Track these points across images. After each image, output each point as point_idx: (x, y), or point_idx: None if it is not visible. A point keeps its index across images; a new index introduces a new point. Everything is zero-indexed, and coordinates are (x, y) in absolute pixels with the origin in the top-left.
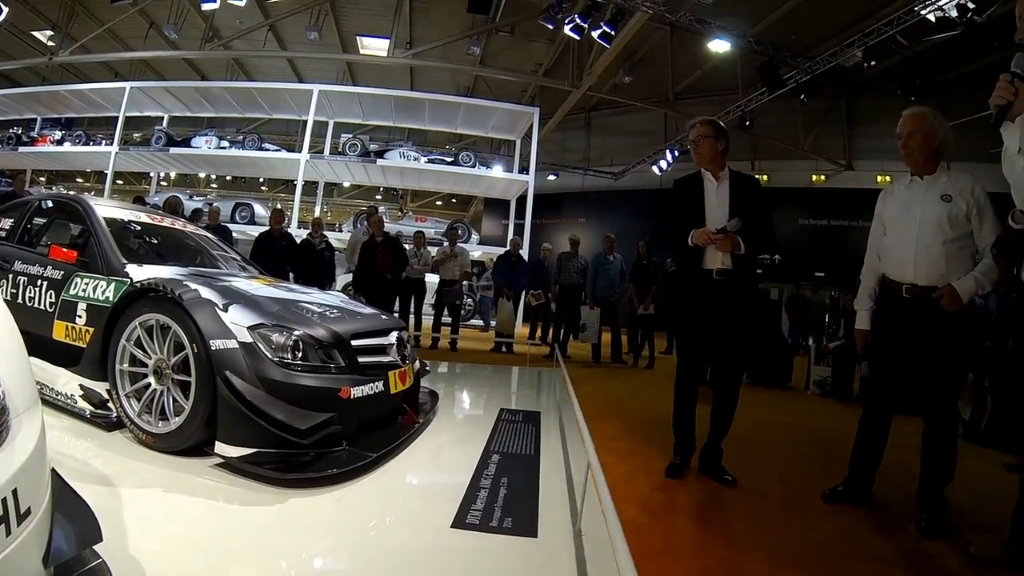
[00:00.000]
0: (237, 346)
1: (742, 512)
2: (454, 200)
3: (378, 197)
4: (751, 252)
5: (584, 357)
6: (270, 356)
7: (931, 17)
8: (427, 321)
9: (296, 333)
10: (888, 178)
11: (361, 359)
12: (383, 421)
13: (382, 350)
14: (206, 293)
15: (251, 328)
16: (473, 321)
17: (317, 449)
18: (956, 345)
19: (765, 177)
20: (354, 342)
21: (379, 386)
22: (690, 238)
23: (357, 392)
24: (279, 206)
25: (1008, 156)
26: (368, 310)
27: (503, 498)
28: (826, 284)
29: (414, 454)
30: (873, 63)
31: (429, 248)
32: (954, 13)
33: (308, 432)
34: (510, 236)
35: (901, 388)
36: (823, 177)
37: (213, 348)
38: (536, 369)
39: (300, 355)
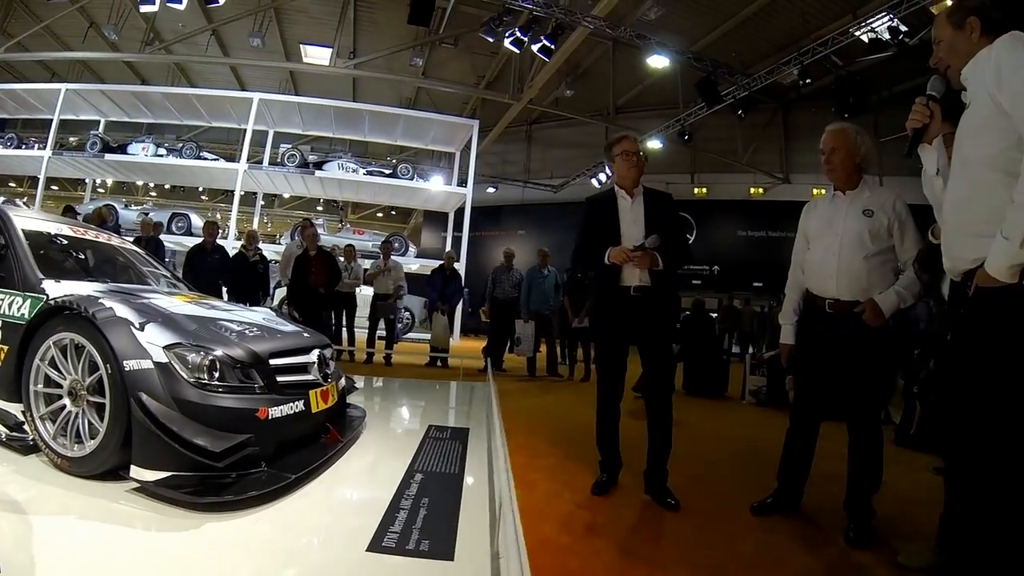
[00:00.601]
0: (152, 366)
1: (667, 529)
2: (394, 212)
3: (319, 208)
4: (670, 267)
5: (520, 370)
6: (186, 376)
7: (864, 38)
8: (362, 335)
9: (213, 353)
10: (823, 191)
11: (280, 378)
12: (305, 441)
13: (303, 369)
14: (122, 311)
15: (167, 348)
16: (414, 334)
17: (236, 471)
18: (879, 359)
19: (705, 190)
20: (273, 361)
21: (299, 405)
22: (607, 256)
23: (276, 412)
24: (218, 217)
25: (927, 177)
26: (290, 328)
27: (422, 519)
28: (765, 294)
29: (336, 474)
30: (808, 81)
31: (362, 261)
32: (886, 35)
33: (223, 454)
34: (447, 249)
35: (826, 400)
36: (761, 190)
37: (127, 368)
38: (470, 383)
39: (217, 375)
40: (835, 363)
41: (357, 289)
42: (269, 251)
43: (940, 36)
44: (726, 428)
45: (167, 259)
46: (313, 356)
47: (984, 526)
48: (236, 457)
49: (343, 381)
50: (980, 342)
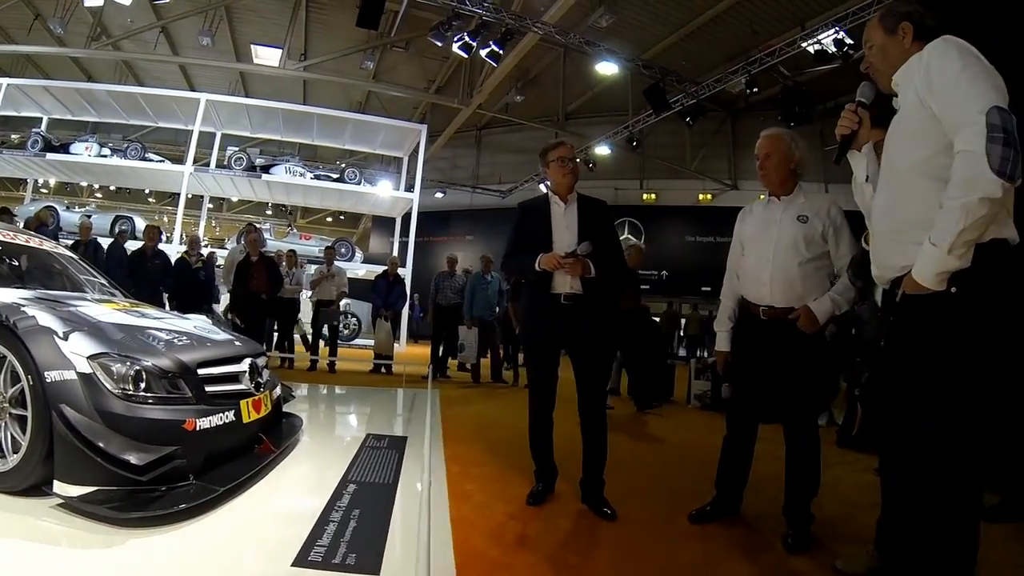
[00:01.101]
0: (75, 377)
1: (602, 539)
2: (342, 217)
3: (268, 212)
4: (602, 275)
5: (464, 377)
6: (110, 388)
7: (811, 50)
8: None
9: (139, 363)
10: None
11: (209, 388)
12: (236, 452)
13: (234, 378)
14: (46, 320)
15: (91, 358)
16: (360, 340)
17: (164, 485)
18: (814, 365)
19: (654, 196)
20: (202, 371)
21: (229, 416)
22: (537, 263)
23: (204, 423)
24: (165, 220)
25: (856, 184)
26: (222, 336)
27: (352, 532)
28: (712, 299)
29: (267, 486)
30: (755, 90)
31: (309, 267)
32: (832, 48)
33: (147, 468)
34: (393, 254)
35: (763, 406)
36: (710, 196)
37: (49, 380)
38: (414, 391)
39: (143, 386)
40: (770, 370)
41: (302, 294)
42: (217, 256)
43: (872, 40)
44: (670, 433)
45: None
46: (244, 365)
47: (916, 526)
48: (161, 470)
49: (278, 390)
50: (909, 350)
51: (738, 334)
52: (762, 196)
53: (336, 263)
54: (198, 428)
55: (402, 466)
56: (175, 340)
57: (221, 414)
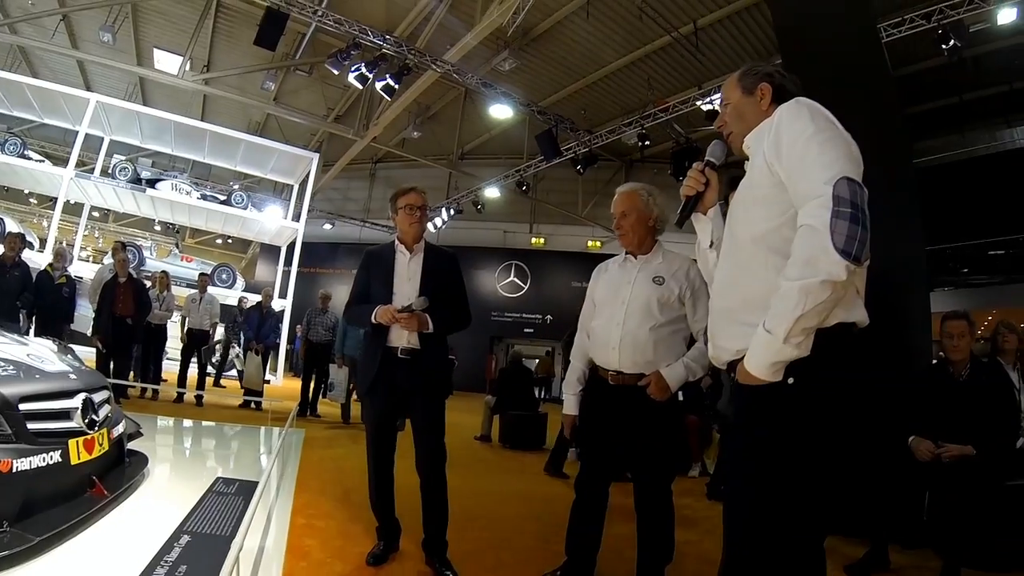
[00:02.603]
0: None
1: None
2: (230, 240)
3: (156, 228)
4: (440, 330)
5: (335, 417)
6: None
7: (704, 108)
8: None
9: None
10: (599, 244)
11: (33, 426)
12: (63, 497)
13: (64, 415)
14: None
15: None
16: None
17: None
18: (664, 434)
19: (543, 240)
20: (24, 406)
21: (55, 456)
22: (373, 315)
23: (23, 464)
24: (44, 225)
25: (700, 251)
26: (56, 367)
27: None
28: None
29: (93, 535)
30: (647, 143)
31: (184, 291)
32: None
33: None
34: (278, 283)
35: (612, 471)
36: (599, 243)
37: None
38: (280, 429)
39: None
40: (619, 437)
41: (172, 321)
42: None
43: (728, 99)
44: (533, 486)
45: None
46: (77, 401)
47: None
48: None
49: (121, 427)
50: (748, 436)
51: (587, 398)
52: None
53: (210, 290)
54: (15, 469)
55: (244, 516)
56: None
57: (44, 455)
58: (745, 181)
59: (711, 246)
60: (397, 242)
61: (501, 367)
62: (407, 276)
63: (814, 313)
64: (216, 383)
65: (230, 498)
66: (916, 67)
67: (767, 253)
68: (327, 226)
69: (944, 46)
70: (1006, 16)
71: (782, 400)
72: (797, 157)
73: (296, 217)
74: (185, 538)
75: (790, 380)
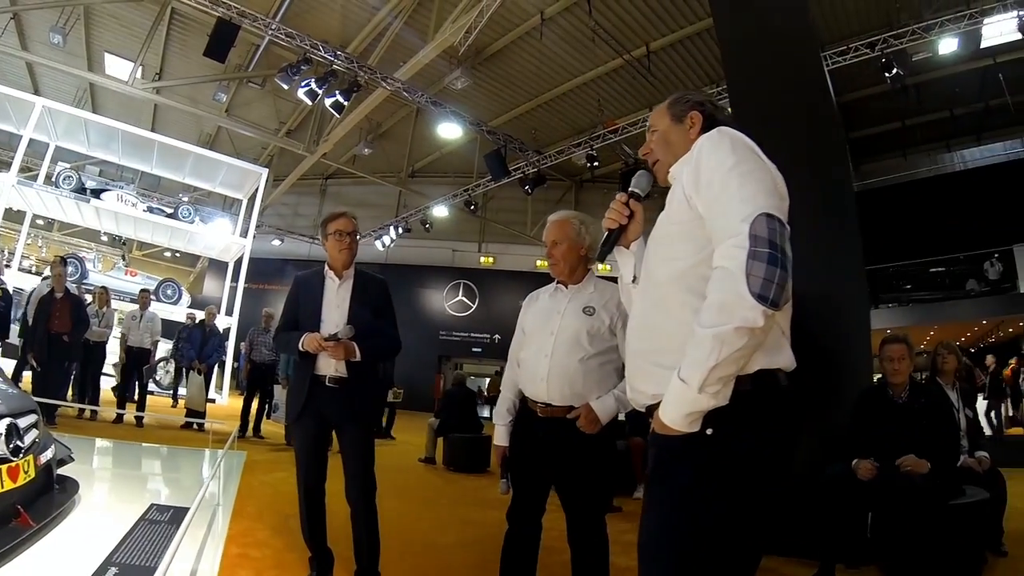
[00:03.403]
0: None
1: None
2: (179, 255)
3: (103, 239)
4: (369, 359)
5: (279, 438)
6: None
7: None
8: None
9: None
10: (608, 267)
11: None
12: None
13: None
14: None
15: None
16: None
17: None
18: (596, 466)
19: (491, 259)
20: None
21: None
22: (301, 343)
23: None
24: None
25: (623, 286)
26: None
27: None
28: None
29: (17, 568)
30: (597, 164)
31: (125, 306)
32: None
33: None
34: (225, 299)
35: (543, 502)
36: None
37: None
38: (221, 451)
39: None
40: (549, 469)
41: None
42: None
43: (656, 126)
44: (473, 511)
45: None
46: (0, 427)
47: None
48: None
49: (50, 452)
50: (666, 484)
51: (517, 429)
52: (601, 266)
53: (154, 306)
54: None
55: (176, 545)
56: None
57: None
58: (663, 215)
59: (634, 281)
60: (327, 268)
61: (446, 388)
62: (336, 303)
63: (730, 361)
64: (175, 402)
65: (163, 526)
66: (861, 93)
67: (683, 293)
68: (276, 242)
69: (887, 74)
70: (947, 46)
71: (701, 449)
72: (716, 191)
73: (244, 232)
74: (112, 570)
75: (708, 431)
